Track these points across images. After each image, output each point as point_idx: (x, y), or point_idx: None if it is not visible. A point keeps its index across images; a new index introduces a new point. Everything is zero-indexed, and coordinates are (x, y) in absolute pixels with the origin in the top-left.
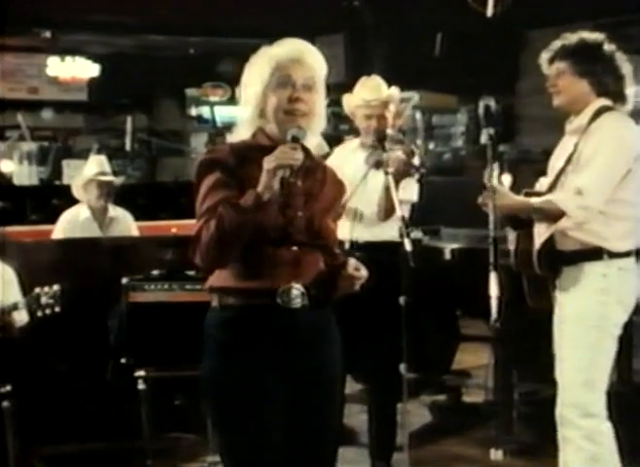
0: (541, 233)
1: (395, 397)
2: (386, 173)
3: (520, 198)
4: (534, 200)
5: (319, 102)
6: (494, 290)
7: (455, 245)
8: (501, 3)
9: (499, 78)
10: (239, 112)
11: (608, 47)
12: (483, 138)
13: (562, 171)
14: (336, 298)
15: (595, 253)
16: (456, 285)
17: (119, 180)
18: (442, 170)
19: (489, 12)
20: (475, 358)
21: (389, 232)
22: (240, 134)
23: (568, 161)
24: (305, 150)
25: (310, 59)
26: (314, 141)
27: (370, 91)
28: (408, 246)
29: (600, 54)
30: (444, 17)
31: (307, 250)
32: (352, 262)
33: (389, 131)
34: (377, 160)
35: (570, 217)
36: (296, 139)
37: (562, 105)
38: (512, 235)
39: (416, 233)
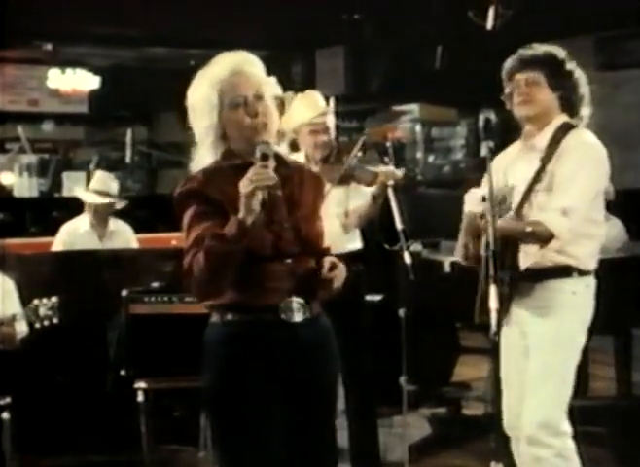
0: (529, 253)
1: (373, 403)
2: (385, 186)
3: (513, 222)
4: (524, 224)
5: (273, 108)
6: (494, 302)
7: (455, 258)
8: (501, 16)
9: (499, 91)
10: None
11: (570, 64)
12: (483, 151)
13: (530, 190)
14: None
15: (566, 270)
16: (456, 298)
17: (120, 204)
18: (441, 183)
19: (489, 25)
20: (474, 370)
21: (354, 243)
22: (203, 162)
23: (536, 179)
24: (279, 158)
25: (252, 69)
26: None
27: (313, 108)
28: (407, 259)
29: (567, 71)
30: (445, 30)
31: (302, 261)
32: (327, 260)
33: (388, 145)
34: (344, 175)
35: (559, 239)
36: (265, 156)
37: (531, 115)
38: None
39: (416, 246)
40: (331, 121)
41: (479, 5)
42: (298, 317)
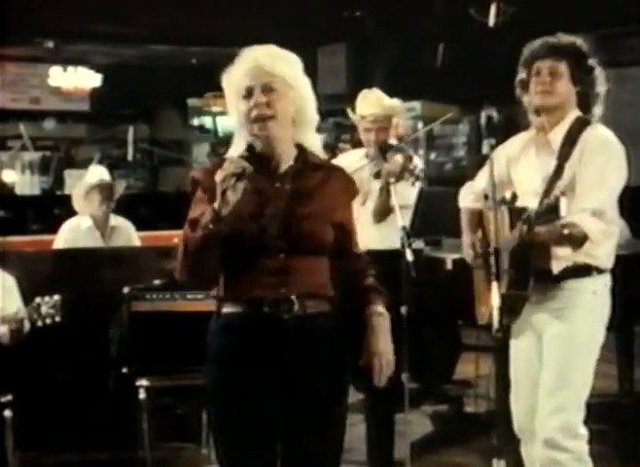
0: (560, 256)
1: (391, 405)
2: (386, 179)
3: (546, 226)
4: (560, 227)
5: (287, 102)
6: (496, 300)
7: (457, 255)
8: (503, 13)
9: (501, 88)
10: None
11: (592, 60)
12: (485, 148)
13: (550, 189)
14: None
15: (585, 270)
16: (458, 295)
17: (121, 184)
18: (443, 180)
19: (491, 22)
20: (476, 368)
21: (389, 239)
22: (236, 146)
23: (554, 177)
24: (301, 152)
25: (269, 63)
26: (310, 139)
27: (368, 106)
28: (409, 256)
29: (589, 66)
30: (446, 28)
31: (298, 258)
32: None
33: (391, 142)
34: (377, 170)
35: (592, 241)
36: (251, 148)
37: (550, 106)
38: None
39: (418, 244)
40: (395, 121)
41: (480, 2)
42: (284, 313)
